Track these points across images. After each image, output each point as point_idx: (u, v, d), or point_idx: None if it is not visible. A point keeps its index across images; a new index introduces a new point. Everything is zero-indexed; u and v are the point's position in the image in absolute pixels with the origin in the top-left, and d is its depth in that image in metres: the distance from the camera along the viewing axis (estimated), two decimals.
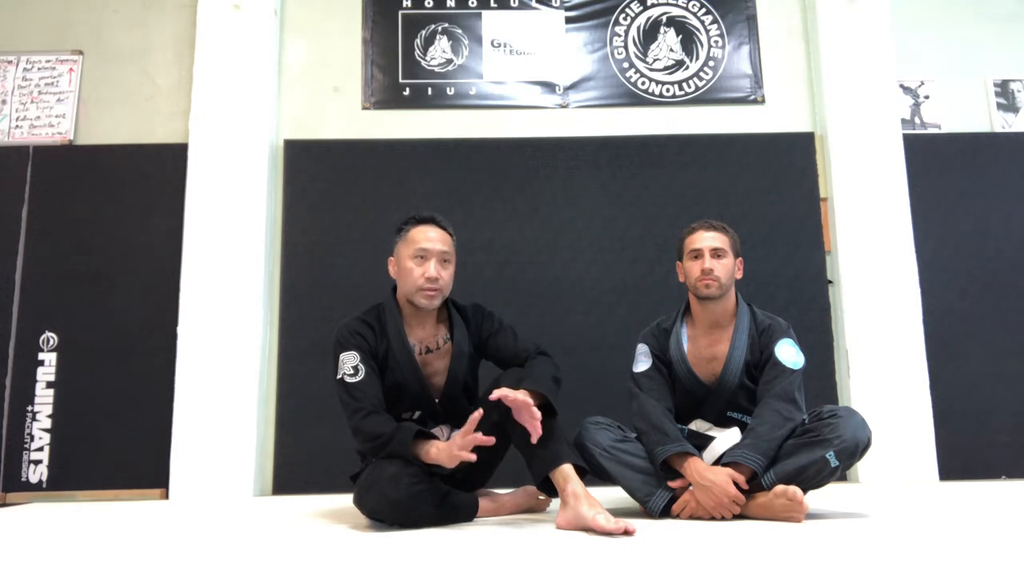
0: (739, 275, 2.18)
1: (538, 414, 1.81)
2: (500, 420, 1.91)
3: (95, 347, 3.21)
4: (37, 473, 3.12)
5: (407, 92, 3.53)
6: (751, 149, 3.44)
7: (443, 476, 1.93)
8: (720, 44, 3.60)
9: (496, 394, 1.81)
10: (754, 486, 1.92)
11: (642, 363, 2.17)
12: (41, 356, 3.20)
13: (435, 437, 1.92)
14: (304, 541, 1.73)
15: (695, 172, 3.42)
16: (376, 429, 1.88)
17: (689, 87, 3.56)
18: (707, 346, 2.14)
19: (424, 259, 2.01)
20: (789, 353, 2.06)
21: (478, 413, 1.77)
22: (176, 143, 3.36)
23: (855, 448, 1.86)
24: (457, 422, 2.08)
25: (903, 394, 3.17)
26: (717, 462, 2.04)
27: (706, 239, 2.13)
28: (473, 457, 1.77)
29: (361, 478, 1.94)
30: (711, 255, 2.10)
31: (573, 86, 3.56)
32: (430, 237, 2.03)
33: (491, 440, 1.77)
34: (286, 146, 3.42)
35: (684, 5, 3.64)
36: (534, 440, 1.83)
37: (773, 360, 2.06)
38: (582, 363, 3.18)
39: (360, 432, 1.91)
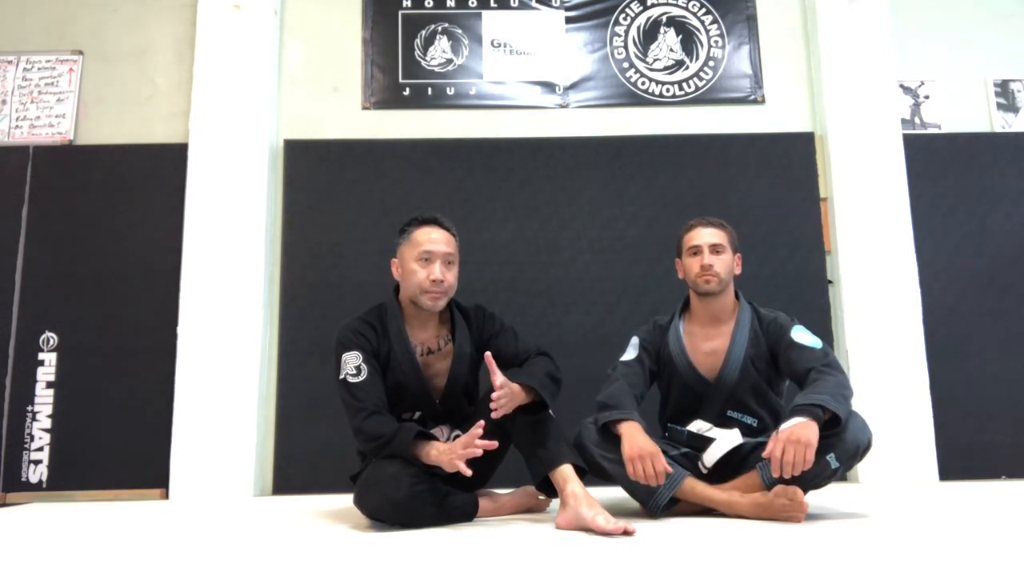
0: (738, 271, 2.18)
1: (504, 392, 1.83)
2: (501, 420, 1.91)
3: (95, 347, 3.21)
4: (37, 473, 3.12)
5: (407, 92, 3.53)
6: (751, 149, 3.44)
7: (443, 476, 1.92)
8: (720, 44, 3.60)
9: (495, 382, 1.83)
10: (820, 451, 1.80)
11: (628, 353, 2.18)
12: (41, 356, 3.20)
13: (435, 438, 1.92)
14: (304, 541, 1.73)
15: (695, 172, 3.42)
16: (378, 430, 1.89)
17: (689, 87, 3.56)
18: (706, 341, 2.13)
19: (429, 261, 2.01)
20: (806, 337, 2.05)
21: (481, 425, 1.77)
22: (176, 143, 3.36)
23: (856, 450, 1.86)
24: (457, 422, 2.09)
25: (903, 394, 3.17)
26: (719, 464, 2.04)
27: (705, 235, 2.13)
28: (469, 472, 1.77)
29: (361, 478, 1.94)
30: (710, 251, 2.11)
31: (573, 86, 3.56)
32: (434, 239, 2.03)
33: (493, 444, 1.77)
34: (286, 146, 3.42)
35: (684, 5, 3.64)
36: (494, 415, 1.83)
37: (796, 344, 2.03)
38: (582, 363, 3.17)
39: (362, 432, 1.91)
